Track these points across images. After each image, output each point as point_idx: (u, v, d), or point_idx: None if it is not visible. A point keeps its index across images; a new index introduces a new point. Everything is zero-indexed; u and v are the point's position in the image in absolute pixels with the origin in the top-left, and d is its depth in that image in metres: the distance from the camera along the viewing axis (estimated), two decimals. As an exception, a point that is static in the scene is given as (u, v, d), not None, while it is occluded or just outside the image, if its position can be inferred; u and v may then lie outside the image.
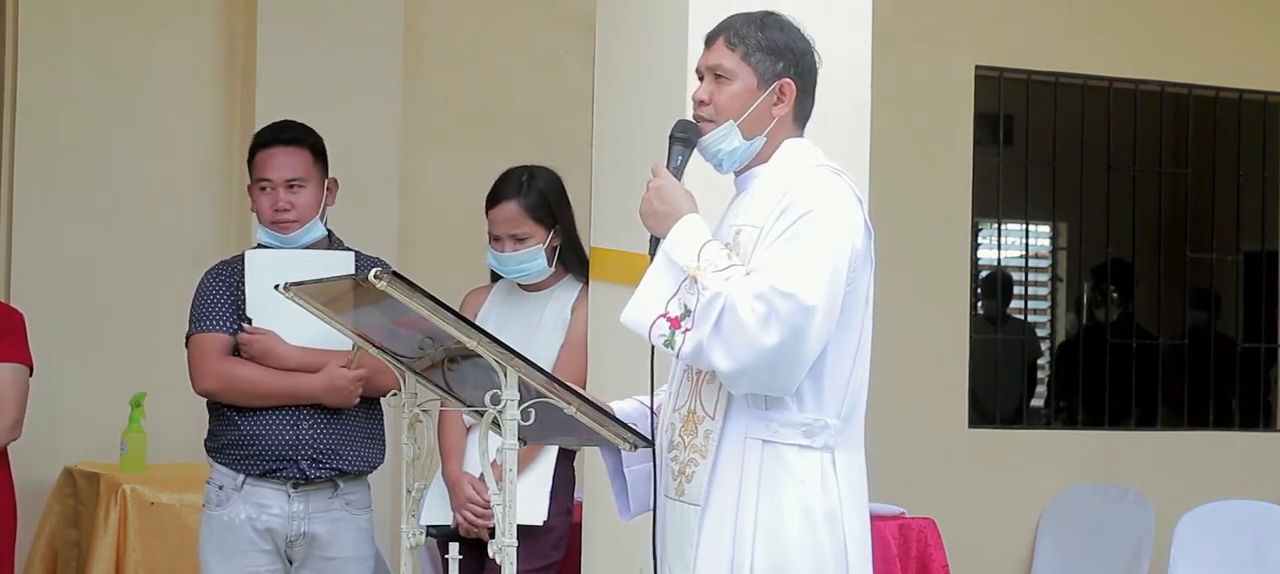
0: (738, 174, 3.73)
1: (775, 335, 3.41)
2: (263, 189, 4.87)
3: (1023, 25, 7.95)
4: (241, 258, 4.90)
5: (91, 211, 6.71)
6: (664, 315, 3.52)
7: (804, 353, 3.46)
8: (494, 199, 4.98)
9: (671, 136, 3.70)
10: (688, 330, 3.48)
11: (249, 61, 6.77)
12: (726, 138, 3.66)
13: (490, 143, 6.84)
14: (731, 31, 3.67)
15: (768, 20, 3.69)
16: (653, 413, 3.72)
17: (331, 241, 4.96)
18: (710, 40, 3.71)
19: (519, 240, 4.94)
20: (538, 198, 4.94)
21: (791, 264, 3.45)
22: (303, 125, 4.95)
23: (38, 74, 6.69)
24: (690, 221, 3.58)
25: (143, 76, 6.80)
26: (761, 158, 3.68)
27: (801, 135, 3.71)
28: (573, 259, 5.01)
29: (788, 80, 3.65)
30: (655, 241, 3.62)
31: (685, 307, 3.50)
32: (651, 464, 3.72)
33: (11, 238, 6.68)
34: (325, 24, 6.83)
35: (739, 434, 3.57)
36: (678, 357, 3.54)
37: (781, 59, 3.65)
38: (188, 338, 4.91)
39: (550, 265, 4.98)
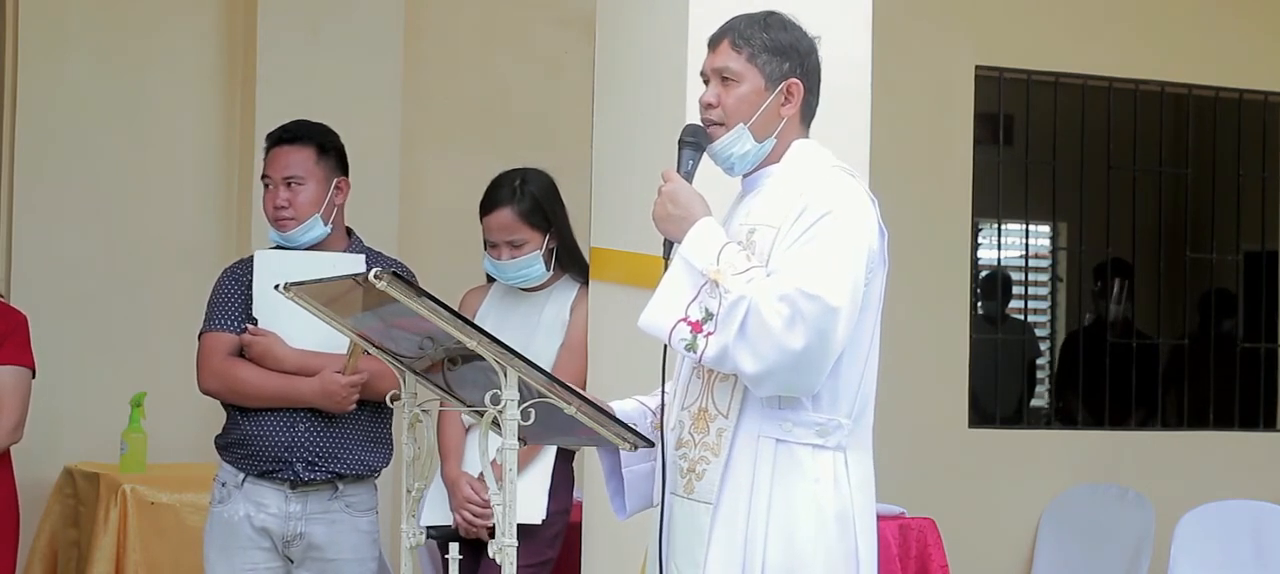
0: (745, 175, 3.72)
1: (801, 338, 3.41)
2: (267, 187, 4.88)
3: (1023, 25, 7.95)
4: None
5: (91, 211, 6.71)
6: (684, 319, 3.50)
7: (828, 354, 3.46)
8: (488, 206, 4.97)
9: (681, 141, 3.69)
10: (711, 334, 3.47)
11: (249, 61, 6.77)
12: (738, 141, 3.65)
13: (490, 143, 6.84)
14: (736, 33, 3.66)
15: (770, 20, 3.68)
16: (662, 408, 3.71)
17: (351, 240, 4.96)
18: (714, 43, 3.70)
19: (515, 246, 4.93)
20: (531, 203, 4.93)
21: (815, 265, 3.45)
22: (312, 123, 4.94)
23: (38, 74, 6.69)
24: (706, 225, 3.57)
25: (143, 76, 6.80)
26: (772, 158, 3.68)
27: (807, 134, 3.71)
28: (569, 259, 5.01)
29: (795, 80, 3.66)
30: (670, 246, 3.61)
31: (706, 310, 3.48)
32: (651, 463, 3.72)
33: (11, 238, 6.68)
34: (325, 24, 6.83)
35: (753, 433, 3.57)
36: (701, 361, 3.52)
37: (788, 59, 3.65)
38: (200, 336, 4.92)
39: (548, 269, 4.98)
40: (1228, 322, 8.82)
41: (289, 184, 4.84)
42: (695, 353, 3.50)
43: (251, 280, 4.86)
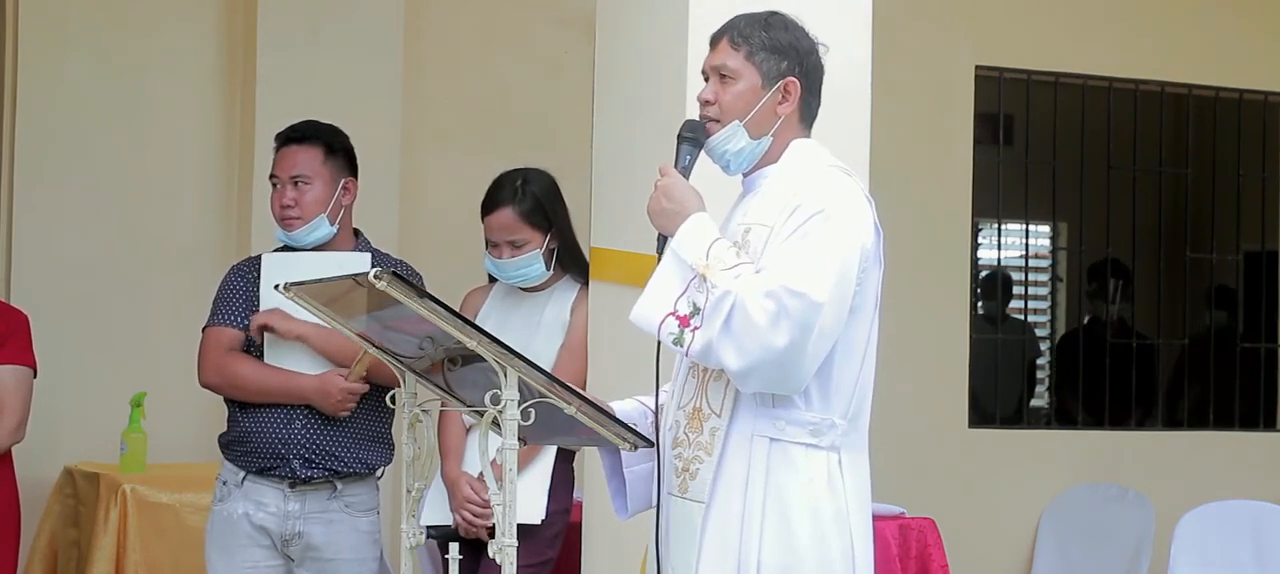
0: (746, 175, 3.73)
1: (786, 334, 3.41)
2: (274, 186, 4.88)
3: (1023, 25, 7.96)
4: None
5: (91, 211, 6.71)
6: (673, 313, 3.52)
7: (813, 351, 3.46)
8: (489, 206, 4.97)
9: (679, 136, 3.70)
10: (697, 328, 3.48)
11: (249, 61, 6.77)
12: (733, 138, 3.66)
13: (490, 143, 6.85)
14: (735, 31, 3.68)
15: (772, 20, 3.69)
16: (657, 410, 3.72)
17: (358, 241, 4.96)
18: (715, 41, 3.71)
19: (516, 246, 4.93)
20: (533, 203, 4.94)
21: (801, 262, 3.45)
22: (321, 124, 4.94)
23: (38, 74, 6.69)
24: (698, 220, 3.58)
25: (143, 76, 6.80)
26: (770, 158, 3.68)
27: (809, 135, 3.72)
28: (569, 260, 5.01)
29: (792, 79, 3.66)
30: (663, 240, 3.62)
31: (694, 304, 3.50)
32: (650, 463, 3.72)
33: (11, 238, 6.68)
34: (325, 24, 6.83)
35: (746, 432, 3.57)
36: (687, 354, 3.53)
37: (785, 58, 3.66)
38: (203, 330, 4.92)
39: (548, 269, 4.98)
40: (1224, 316, 8.82)
41: (295, 183, 4.84)
42: (682, 347, 3.51)
43: (257, 277, 4.86)
